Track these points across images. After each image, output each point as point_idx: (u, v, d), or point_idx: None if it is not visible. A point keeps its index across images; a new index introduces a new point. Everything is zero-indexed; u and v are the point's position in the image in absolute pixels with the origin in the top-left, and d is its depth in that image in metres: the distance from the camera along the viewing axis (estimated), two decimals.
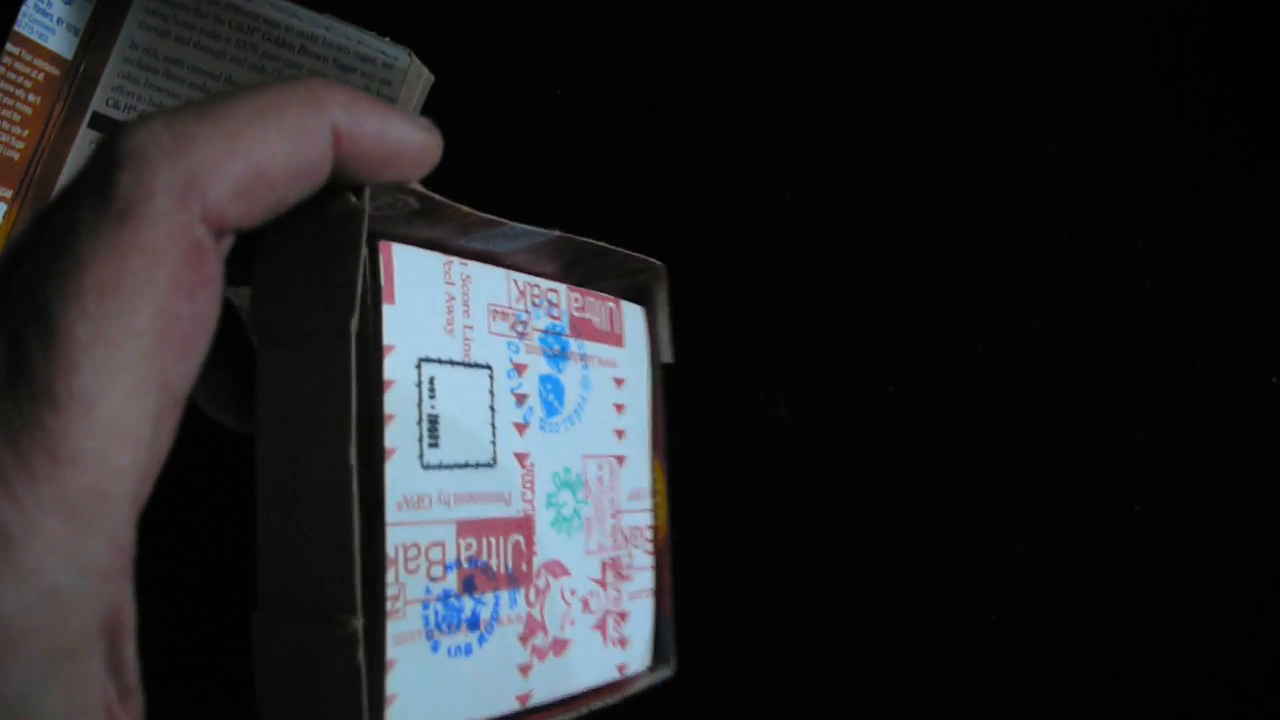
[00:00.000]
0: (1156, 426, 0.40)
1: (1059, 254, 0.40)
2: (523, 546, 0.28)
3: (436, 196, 0.25)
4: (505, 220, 0.27)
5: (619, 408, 0.33)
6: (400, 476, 0.24)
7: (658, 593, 0.35)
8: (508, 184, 0.41)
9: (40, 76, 0.40)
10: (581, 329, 0.32)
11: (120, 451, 0.18)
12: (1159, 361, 0.40)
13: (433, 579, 0.25)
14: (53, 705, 0.17)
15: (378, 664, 0.23)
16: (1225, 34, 0.40)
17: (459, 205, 0.25)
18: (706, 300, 0.41)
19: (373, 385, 0.24)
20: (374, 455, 0.24)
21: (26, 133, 0.40)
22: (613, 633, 0.33)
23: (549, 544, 0.30)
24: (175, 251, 0.19)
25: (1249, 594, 0.40)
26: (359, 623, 0.22)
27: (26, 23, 0.39)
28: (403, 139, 0.22)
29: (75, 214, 0.18)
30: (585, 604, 0.31)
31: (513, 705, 0.28)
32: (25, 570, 0.17)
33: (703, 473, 0.40)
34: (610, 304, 0.34)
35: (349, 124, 0.21)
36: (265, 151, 0.20)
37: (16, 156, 0.40)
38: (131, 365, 0.18)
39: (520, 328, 0.30)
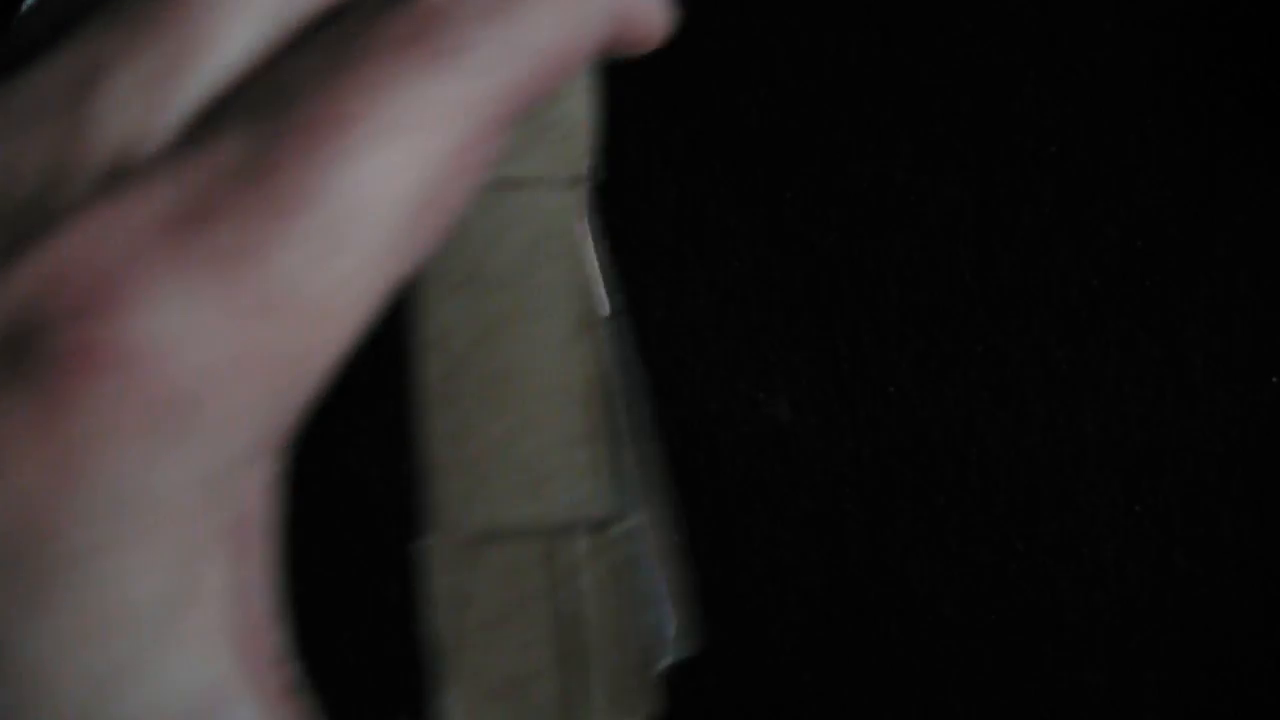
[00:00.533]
0: (1156, 426, 0.40)
1: (1059, 254, 0.40)
2: None
3: None
4: None
5: None
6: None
7: None
8: None
9: None
10: None
11: (358, 307, 0.14)
12: (1159, 361, 0.40)
13: None
14: (182, 624, 0.13)
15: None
16: (1225, 34, 0.40)
17: None
18: (707, 300, 0.41)
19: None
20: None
21: None
22: None
23: None
24: (495, 102, 0.15)
25: (1249, 594, 0.40)
26: (636, 520, 0.19)
27: None
28: (655, 22, 0.19)
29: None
30: None
31: None
32: (206, 436, 0.13)
33: (703, 472, 0.40)
34: None
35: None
36: (569, 33, 0.17)
37: None
38: (407, 209, 0.14)
39: None
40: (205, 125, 0.13)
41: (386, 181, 0.14)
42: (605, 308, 0.19)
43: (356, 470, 0.38)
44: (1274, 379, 0.40)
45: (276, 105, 0.13)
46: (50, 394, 0.12)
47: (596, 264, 0.19)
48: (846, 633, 0.40)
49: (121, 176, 0.13)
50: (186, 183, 0.13)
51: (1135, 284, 0.40)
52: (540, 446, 0.18)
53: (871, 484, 0.40)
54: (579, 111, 0.19)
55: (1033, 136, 0.41)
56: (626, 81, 0.41)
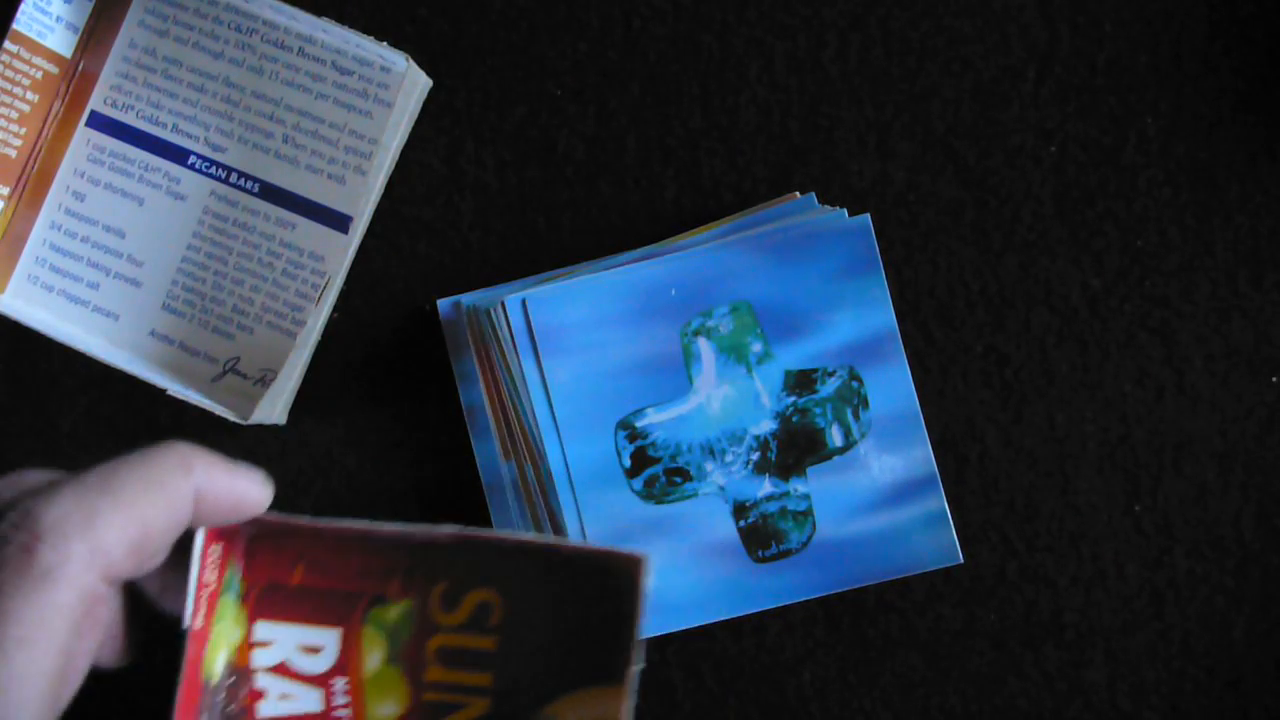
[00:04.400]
0: (1156, 426, 0.40)
1: (1059, 254, 0.40)
2: None
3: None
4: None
5: None
6: None
7: None
8: (508, 185, 0.41)
9: (39, 74, 0.40)
10: None
11: None
12: (1159, 361, 0.40)
13: None
14: None
15: None
16: (1225, 34, 0.40)
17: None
18: None
19: None
20: None
21: (25, 130, 0.40)
22: None
23: None
24: (81, 605, 0.24)
25: (1249, 594, 0.40)
26: None
27: (25, 20, 0.39)
28: (246, 493, 0.28)
29: (2, 575, 0.23)
30: None
31: None
32: None
33: None
34: None
35: (207, 485, 0.27)
36: (151, 518, 0.25)
37: (14, 154, 0.40)
38: (36, 694, 0.23)
39: None
40: None
41: (27, 677, 0.23)
42: None
43: None
44: (1274, 379, 0.40)
45: None
46: None
47: None
48: (847, 633, 0.40)
49: None
50: None
51: (1135, 284, 0.40)
52: None
53: None
54: None
55: (1033, 136, 0.41)
56: (628, 80, 0.41)
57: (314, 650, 0.33)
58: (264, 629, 0.33)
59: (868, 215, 0.39)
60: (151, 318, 0.41)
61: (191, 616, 0.30)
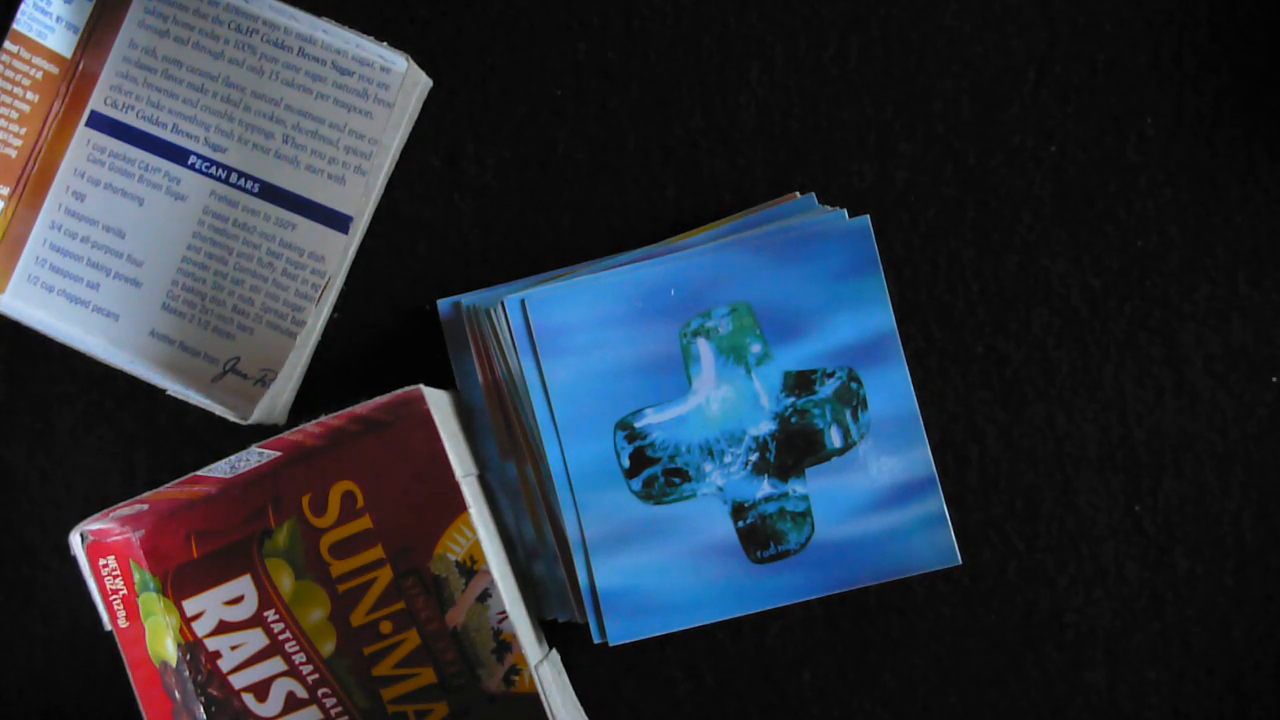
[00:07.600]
0: (1156, 426, 0.40)
1: (1059, 254, 0.40)
2: None
3: None
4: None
5: None
6: None
7: None
8: (508, 184, 0.41)
9: (39, 74, 0.40)
10: None
11: None
12: (1159, 361, 0.40)
13: None
14: None
15: None
16: (1225, 34, 0.40)
17: None
18: None
19: None
20: None
21: (25, 130, 0.40)
22: None
23: None
24: None
25: (1249, 594, 0.40)
26: None
27: (25, 20, 0.39)
28: None
29: None
30: None
31: None
32: None
33: None
34: None
35: None
36: None
37: (14, 154, 0.40)
38: None
39: None
40: None
41: None
42: None
43: None
44: (1274, 379, 0.40)
45: None
46: None
47: None
48: (846, 633, 0.40)
49: None
50: None
51: (1135, 284, 0.40)
52: None
53: None
54: None
55: (1033, 136, 0.41)
56: (628, 80, 0.41)
57: (237, 600, 0.39)
58: (191, 604, 0.39)
59: (867, 216, 0.39)
60: (151, 318, 0.41)
61: (110, 620, 0.35)
